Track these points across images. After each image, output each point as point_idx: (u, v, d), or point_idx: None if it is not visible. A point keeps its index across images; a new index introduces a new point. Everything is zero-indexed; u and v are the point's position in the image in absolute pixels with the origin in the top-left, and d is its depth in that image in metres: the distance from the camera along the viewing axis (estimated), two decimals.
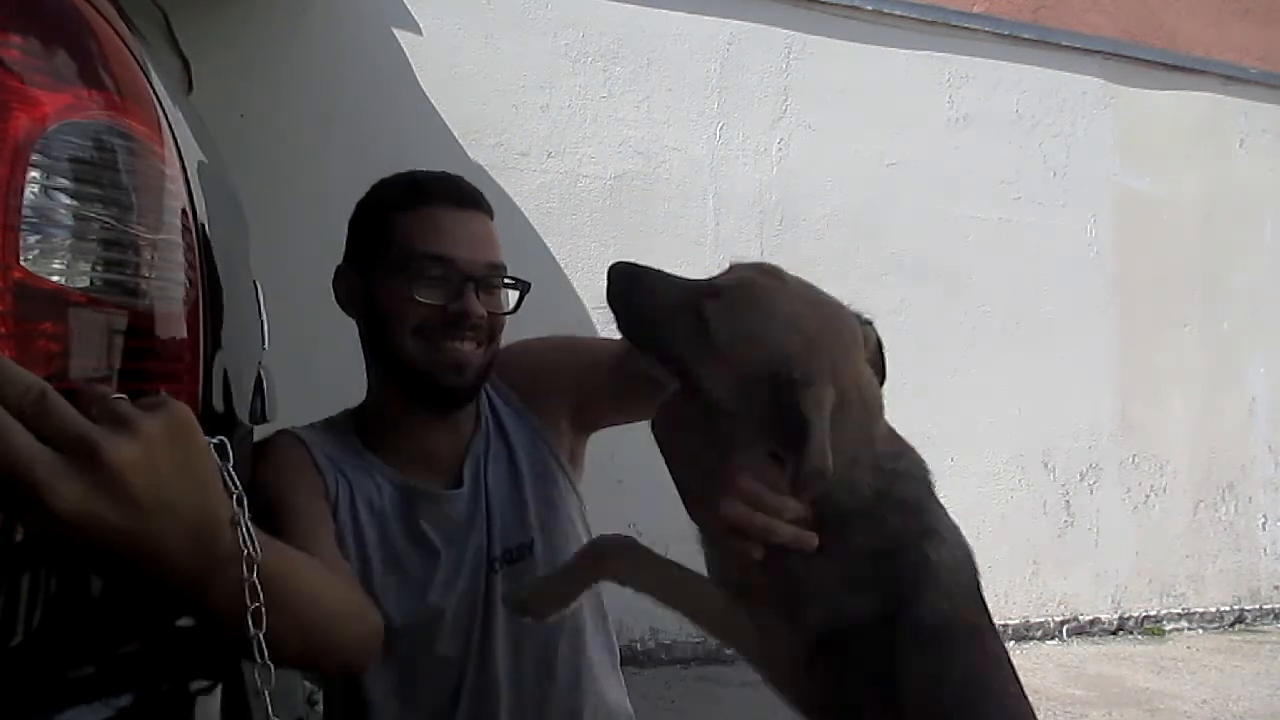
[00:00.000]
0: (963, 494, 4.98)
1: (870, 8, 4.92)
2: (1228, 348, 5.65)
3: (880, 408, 1.07)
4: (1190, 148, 5.62)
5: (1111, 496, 5.33)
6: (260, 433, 1.32)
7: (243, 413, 1.11)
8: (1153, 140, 5.53)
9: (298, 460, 1.30)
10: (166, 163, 0.74)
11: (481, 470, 1.38)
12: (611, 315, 1.12)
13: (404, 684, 1.30)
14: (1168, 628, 5.39)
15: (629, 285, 1.14)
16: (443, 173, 1.38)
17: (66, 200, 0.66)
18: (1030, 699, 1.09)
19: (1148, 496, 5.43)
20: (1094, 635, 5.20)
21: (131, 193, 0.70)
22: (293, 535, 1.10)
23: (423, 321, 1.29)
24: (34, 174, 0.64)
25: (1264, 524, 5.68)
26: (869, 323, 1.18)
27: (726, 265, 1.18)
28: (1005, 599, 5.01)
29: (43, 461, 0.60)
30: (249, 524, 0.73)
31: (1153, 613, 5.40)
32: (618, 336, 1.23)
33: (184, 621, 0.78)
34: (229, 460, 0.73)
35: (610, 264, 1.13)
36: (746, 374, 1.02)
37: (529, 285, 1.39)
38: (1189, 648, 5.05)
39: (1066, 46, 5.32)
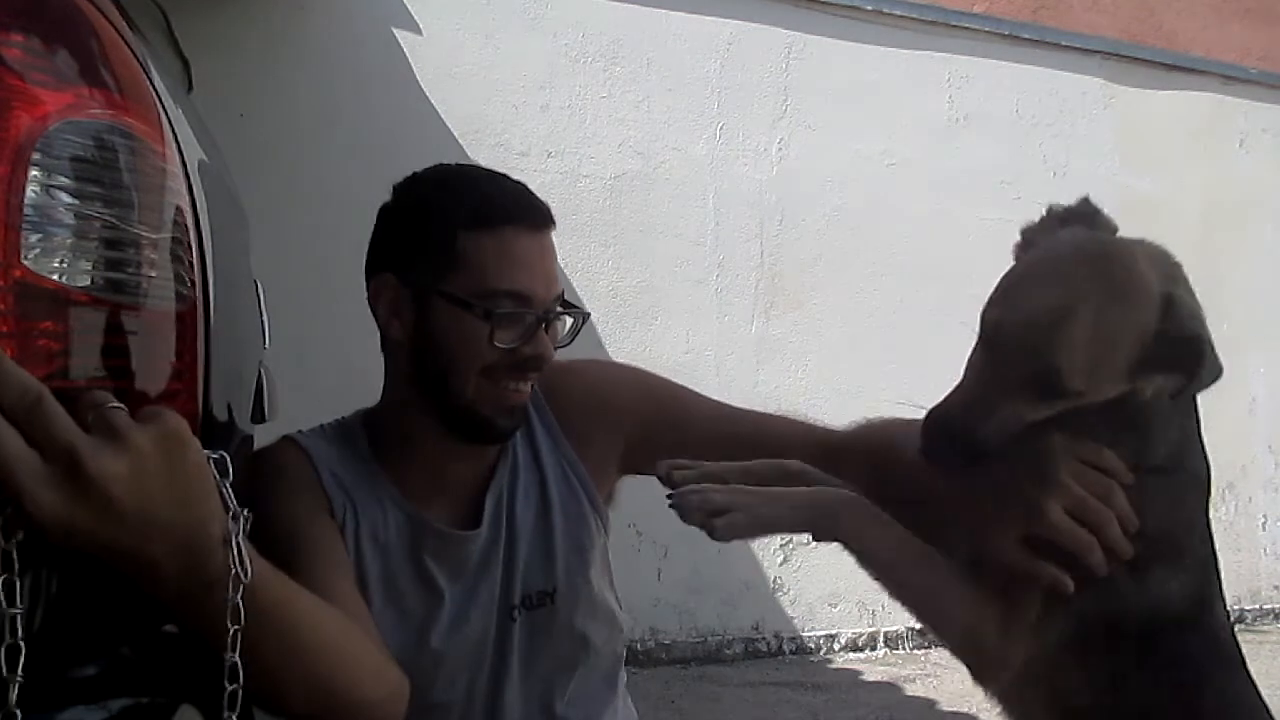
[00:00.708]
0: None
1: (870, 8, 4.92)
2: (1228, 348, 5.53)
3: None
4: (1190, 148, 5.62)
5: None
6: (261, 433, 1.32)
7: (243, 413, 1.11)
8: (1153, 140, 5.52)
9: (302, 480, 1.19)
10: (167, 162, 0.74)
11: (504, 508, 1.26)
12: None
13: None
14: None
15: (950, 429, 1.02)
16: (508, 180, 1.23)
17: (67, 199, 0.66)
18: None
19: None
20: None
21: (132, 192, 0.70)
22: (307, 574, 0.98)
23: (493, 363, 1.16)
24: (35, 173, 0.64)
25: (1264, 524, 5.68)
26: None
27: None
28: None
29: (28, 466, 0.60)
30: (243, 544, 0.71)
31: None
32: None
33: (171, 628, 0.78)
34: (228, 477, 0.72)
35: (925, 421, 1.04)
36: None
37: (588, 315, 1.28)
38: None
39: (1066, 46, 5.32)
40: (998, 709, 1.08)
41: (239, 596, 0.71)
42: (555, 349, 1.22)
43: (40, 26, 0.67)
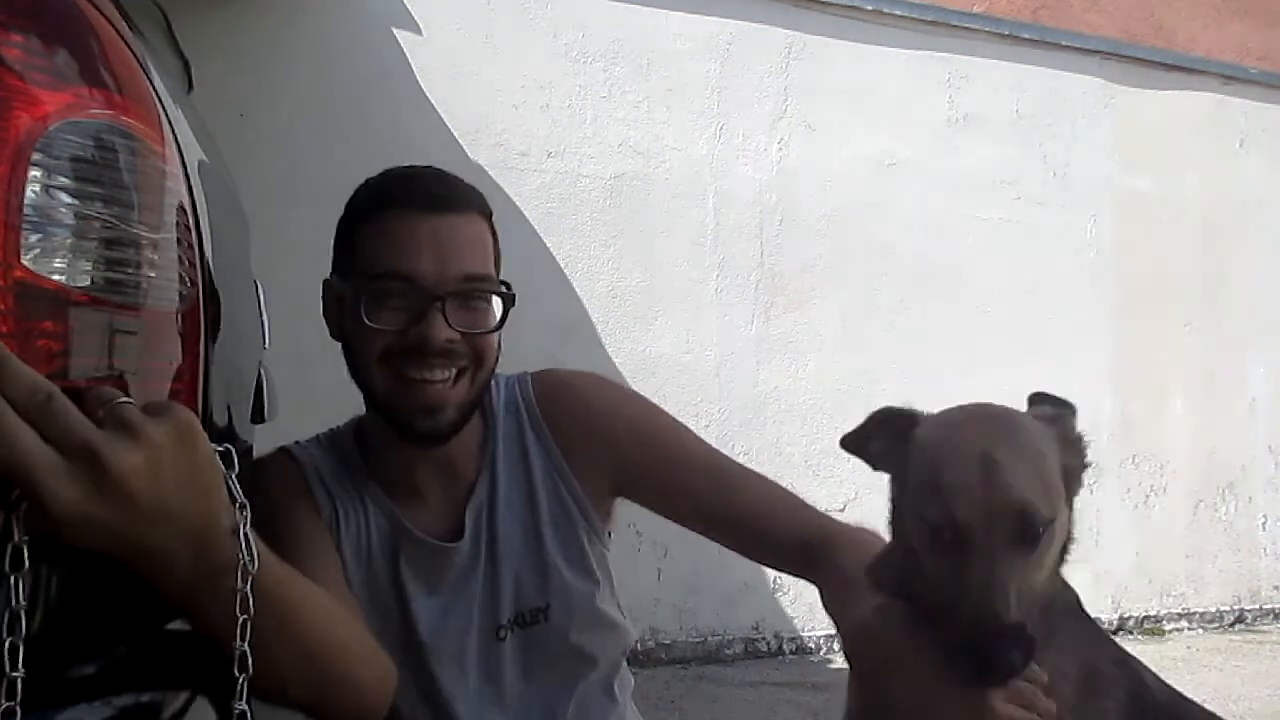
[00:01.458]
0: None
1: (870, 8, 4.92)
2: (1228, 348, 5.65)
3: None
4: (1190, 148, 5.62)
5: (1111, 496, 5.32)
6: (261, 433, 1.32)
7: (243, 413, 1.11)
8: (1153, 140, 5.52)
9: (294, 486, 1.20)
10: (167, 162, 0.74)
11: (485, 520, 1.23)
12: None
13: None
14: (1168, 628, 5.39)
15: None
16: (414, 169, 1.22)
17: (67, 199, 0.66)
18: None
19: (1148, 496, 5.43)
20: None
21: (132, 192, 0.70)
22: (298, 567, 0.97)
23: (385, 350, 1.14)
24: (35, 173, 0.64)
25: (1264, 524, 5.68)
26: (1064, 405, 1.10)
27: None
28: None
29: (45, 463, 0.61)
30: (249, 534, 0.72)
31: (1153, 613, 5.40)
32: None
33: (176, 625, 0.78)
34: (234, 469, 0.73)
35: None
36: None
37: (513, 297, 1.20)
38: (1189, 648, 5.05)
39: (1066, 46, 5.32)
40: None
41: (247, 586, 0.72)
42: (482, 334, 1.17)
43: (40, 26, 0.67)
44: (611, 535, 1.33)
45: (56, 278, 0.65)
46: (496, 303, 1.19)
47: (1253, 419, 5.70)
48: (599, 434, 1.27)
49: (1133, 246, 5.42)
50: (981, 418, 1.01)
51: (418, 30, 4.22)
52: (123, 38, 0.73)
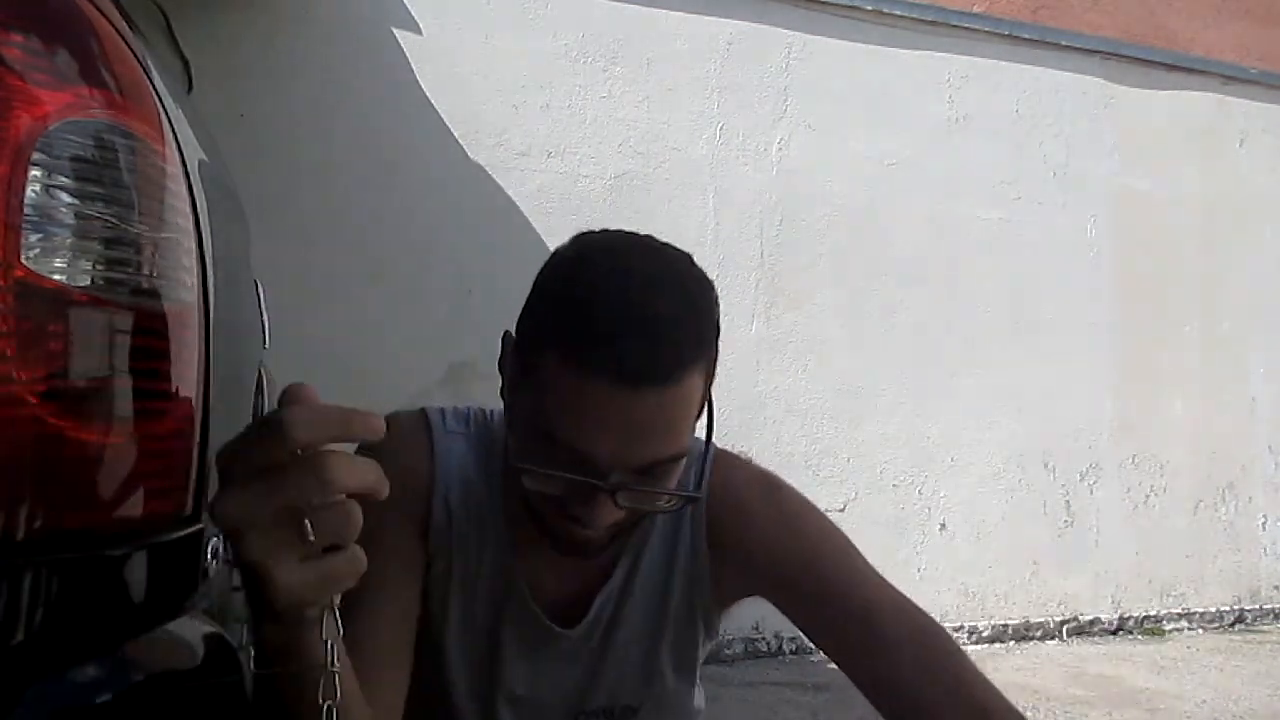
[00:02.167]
0: (963, 494, 4.98)
1: (870, 8, 4.92)
2: (1228, 348, 5.65)
3: None
4: (1190, 148, 5.62)
5: (1111, 496, 5.33)
6: None
7: (243, 413, 1.11)
8: (1153, 140, 5.53)
9: (409, 491, 1.03)
10: (167, 161, 0.74)
11: (611, 610, 1.12)
12: None
13: None
14: (1168, 628, 5.39)
15: None
16: (634, 310, 0.90)
17: (68, 199, 0.66)
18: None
19: (1148, 496, 5.43)
20: (1094, 635, 5.20)
21: (133, 191, 0.70)
22: (358, 595, 0.86)
23: (537, 502, 0.98)
24: (35, 172, 0.64)
25: (1264, 524, 5.68)
26: None
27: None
28: (1005, 599, 5.01)
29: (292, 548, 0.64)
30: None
31: (1153, 613, 5.40)
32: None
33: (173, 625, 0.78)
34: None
35: None
36: None
37: (691, 499, 1.02)
38: (1189, 648, 5.05)
39: (1066, 46, 5.32)
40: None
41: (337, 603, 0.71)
42: (650, 510, 1.00)
43: (40, 26, 0.67)
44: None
45: (57, 277, 0.65)
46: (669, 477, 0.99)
47: (1253, 419, 5.70)
48: (753, 568, 1.11)
49: (1133, 246, 5.42)
50: None
51: (418, 30, 4.22)
52: (123, 38, 0.73)
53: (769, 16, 4.77)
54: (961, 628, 4.78)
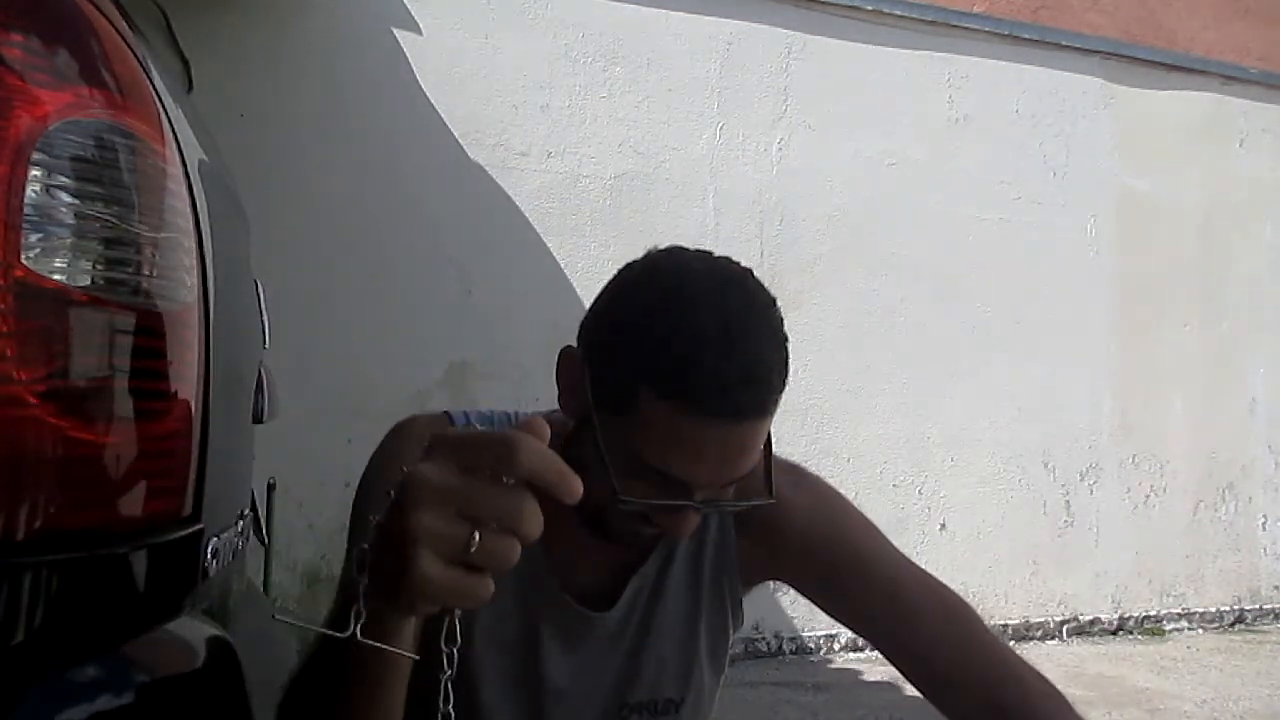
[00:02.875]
0: (963, 494, 4.99)
1: (870, 8, 4.92)
2: (1228, 348, 5.65)
3: None
4: (1190, 148, 5.63)
5: (1111, 496, 5.33)
6: (261, 433, 1.32)
7: (244, 413, 1.11)
8: (1153, 140, 5.53)
9: None
10: (168, 161, 0.74)
11: (646, 595, 1.14)
12: None
13: None
14: (1168, 628, 5.39)
15: None
16: (737, 355, 0.93)
17: (68, 199, 0.66)
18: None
19: (1148, 496, 5.43)
20: (1094, 635, 5.20)
21: (133, 191, 0.70)
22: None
23: (610, 515, 1.00)
24: (35, 172, 0.64)
25: (1264, 524, 5.68)
26: None
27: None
28: (1005, 599, 5.01)
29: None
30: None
31: (1153, 613, 5.40)
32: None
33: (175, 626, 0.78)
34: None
35: None
36: None
37: (757, 505, 1.03)
38: (1189, 648, 5.05)
39: (1066, 46, 5.33)
40: None
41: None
42: (725, 507, 1.04)
43: (40, 26, 0.67)
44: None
45: (57, 277, 0.65)
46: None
47: (1253, 419, 5.70)
48: (781, 554, 1.14)
49: (1133, 246, 5.43)
50: None
51: (418, 30, 4.22)
52: (123, 38, 0.73)
53: (769, 16, 4.78)
54: None
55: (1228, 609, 5.57)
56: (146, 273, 0.71)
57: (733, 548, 1.16)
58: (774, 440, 1.01)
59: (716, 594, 1.17)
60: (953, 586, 1.16)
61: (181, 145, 0.78)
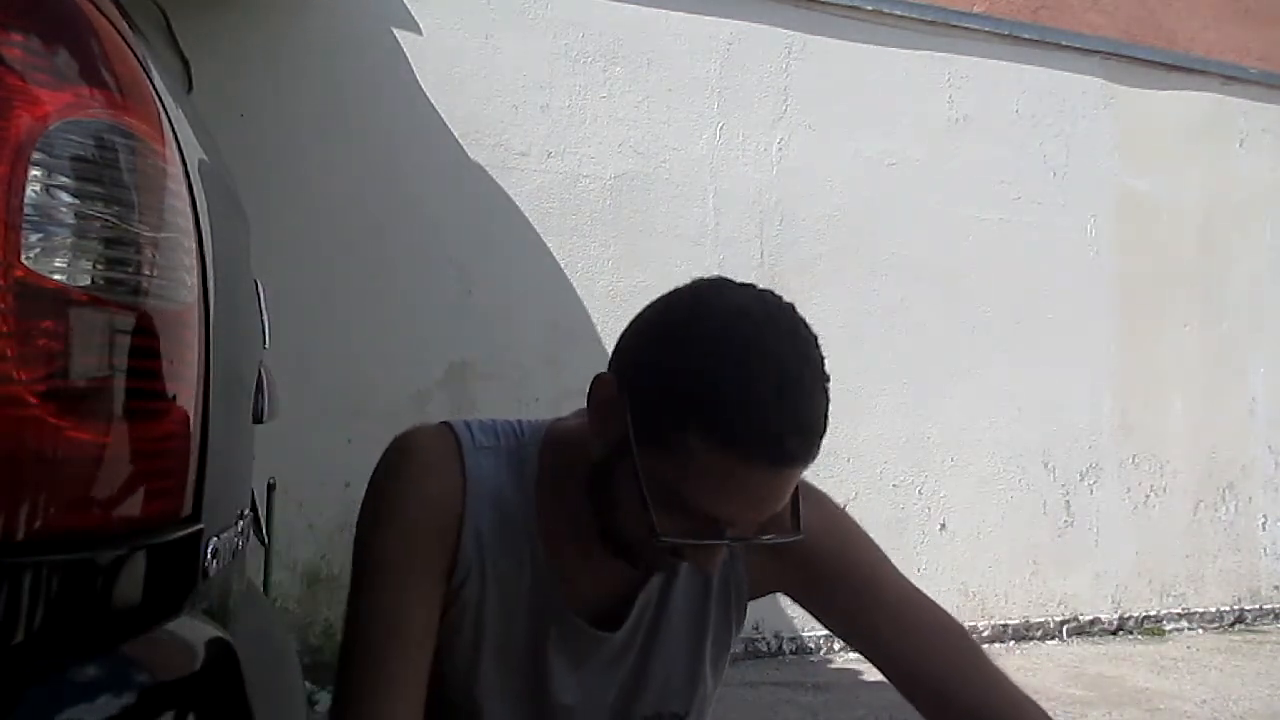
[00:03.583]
0: (963, 494, 4.99)
1: (870, 8, 4.92)
2: (1228, 348, 5.65)
3: None
4: (1190, 148, 5.63)
5: (1111, 496, 5.33)
6: (261, 433, 1.32)
7: (244, 413, 1.11)
8: (1153, 140, 5.53)
9: (436, 523, 1.05)
10: (168, 161, 0.74)
11: (652, 611, 1.15)
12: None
13: None
14: (1168, 628, 5.39)
15: None
16: (788, 406, 0.94)
17: (68, 199, 0.66)
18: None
19: (1148, 496, 5.43)
20: (1094, 635, 5.20)
21: (133, 191, 0.70)
22: (371, 638, 0.99)
23: (639, 545, 1.02)
24: (35, 172, 0.64)
25: (1264, 524, 5.68)
26: None
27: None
28: (1005, 599, 5.01)
29: None
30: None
31: (1153, 613, 5.40)
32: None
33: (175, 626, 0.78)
34: None
35: None
36: None
37: (786, 540, 1.04)
38: (1189, 648, 5.05)
39: (1066, 46, 5.33)
40: None
41: None
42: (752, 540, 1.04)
43: (40, 26, 0.67)
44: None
45: (57, 277, 0.65)
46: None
47: (1253, 419, 5.70)
48: (787, 565, 1.15)
49: (1133, 246, 5.43)
50: None
51: (418, 30, 4.22)
52: (123, 38, 0.73)
53: (769, 16, 4.78)
54: None
55: (1228, 609, 5.57)
56: (146, 273, 0.71)
57: (742, 564, 1.17)
58: None
59: (723, 608, 1.18)
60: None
61: (181, 145, 0.78)
